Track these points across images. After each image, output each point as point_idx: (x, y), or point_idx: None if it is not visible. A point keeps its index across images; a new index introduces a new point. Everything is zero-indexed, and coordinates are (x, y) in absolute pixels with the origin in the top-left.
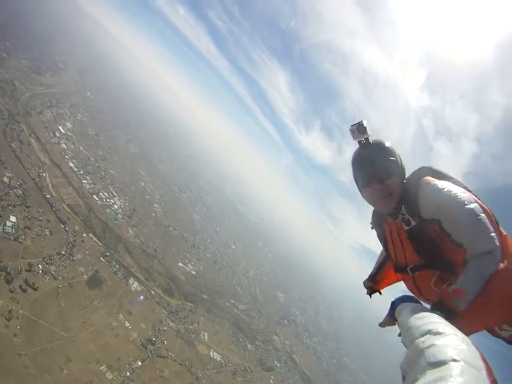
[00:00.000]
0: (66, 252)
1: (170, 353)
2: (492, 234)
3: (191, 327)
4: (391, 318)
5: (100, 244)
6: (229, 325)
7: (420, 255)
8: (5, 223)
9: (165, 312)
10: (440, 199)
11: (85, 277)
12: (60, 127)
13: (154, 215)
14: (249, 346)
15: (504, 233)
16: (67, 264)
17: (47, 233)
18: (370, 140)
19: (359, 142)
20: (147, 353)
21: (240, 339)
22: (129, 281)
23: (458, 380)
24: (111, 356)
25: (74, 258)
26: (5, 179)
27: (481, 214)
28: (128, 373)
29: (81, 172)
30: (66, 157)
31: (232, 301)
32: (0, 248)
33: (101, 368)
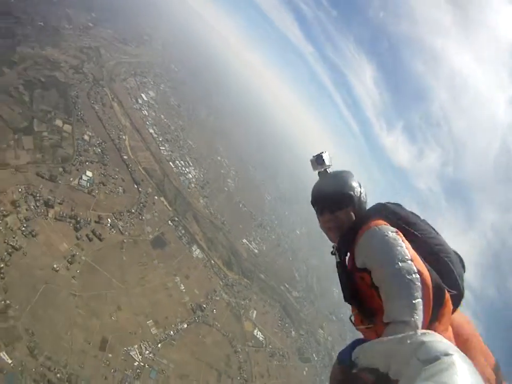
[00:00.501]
0: (136, 210)
1: (216, 323)
2: (415, 302)
3: (242, 302)
4: (347, 368)
5: (170, 209)
6: (278, 308)
7: (342, 292)
8: (81, 177)
9: (221, 283)
10: (372, 250)
11: (150, 236)
12: (142, 95)
13: (226, 189)
14: (293, 333)
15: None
16: (135, 222)
17: (120, 191)
18: (328, 171)
19: (318, 173)
20: (195, 318)
21: (286, 324)
22: (192, 248)
23: (460, 370)
24: (160, 314)
25: (143, 217)
26: (86, 137)
27: (408, 276)
28: (172, 332)
29: (160, 139)
30: (147, 123)
31: (287, 286)
32: (74, 198)
33: (147, 322)
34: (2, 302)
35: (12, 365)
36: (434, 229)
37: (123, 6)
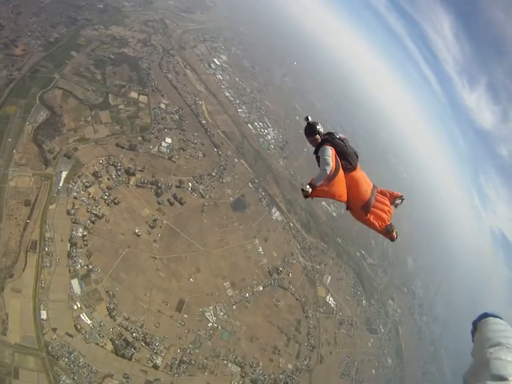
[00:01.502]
0: (216, 174)
1: (291, 287)
2: (329, 163)
3: (317, 267)
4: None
5: (250, 171)
6: (353, 274)
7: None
8: (161, 144)
9: (298, 246)
10: (321, 151)
11: (230, 199)
12: (215, 59)
13: (306, 150)
14: (364, 302)
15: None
16: (216, 185)
17: (200, 155)
18: (309, 121)
19: (306, 122)
20: (271, 280)
21: (358, 292)
22: (272, 210)
23: None
24: (237, 275)
25: (224, 180)
26: (162, 105)
27: (326, 154)
28: (247, 294)
29: (237, 102)
30: (222, 86)
31: (363, 252)
32: (154, 165)
33: (224, 284)
34: (85, 267)
35: (90, 325)
36: (347, 142)
37: None
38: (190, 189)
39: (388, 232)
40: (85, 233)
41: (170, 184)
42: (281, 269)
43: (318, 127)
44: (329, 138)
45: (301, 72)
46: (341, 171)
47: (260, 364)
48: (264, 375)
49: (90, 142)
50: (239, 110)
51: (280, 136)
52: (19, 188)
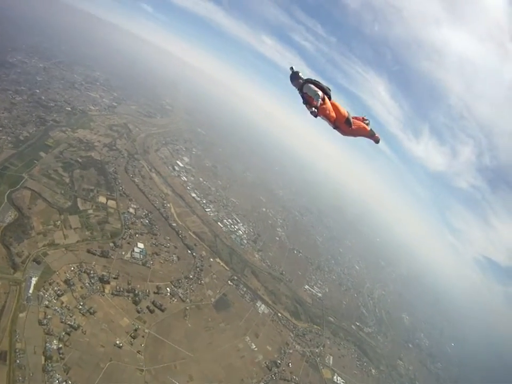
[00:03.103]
0: (194, 275)
1: (294, 377)
2: (316, 89)
3: (316, 350)
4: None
5: (227, 268)
6: (354, 348)
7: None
8: (133, 249)
9: (292, 334)
10: (307, 89)
11: (212, 299)
12: (178, 162)
13: (278, 238)
14: (373, 371)
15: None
16: (195, 287)
17: (175, 258)
18: (293, 70)
19: (291, 71)
20: (271, 375)
21: (365, 363)
22: (257, 304)
23: None
24: (235, 377)
25: (202, 282)
26: (131, 210)
27: (312, 87)
28: None
29: (204, 201)
30: (188, 188)
31: (358, 324)
32: (129, 272)
33: None
34: (64, 383)
35: None
36: (324, 85)
37: (140, 83)
38: (169, 294)
39: (372, 134)
40: (60, 345)
41: (147, 290)
42: (279, 362)
43: (300, 74)
44: (309, 80)
45: (259, 165)
46: (325, 96)
47: None
48: None
49: (61, 248)
50: (207, 210)
51: (251, 230)
52: None
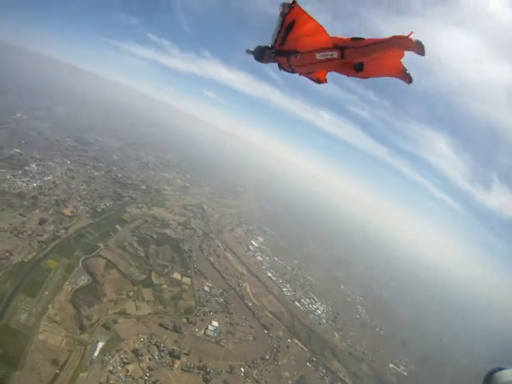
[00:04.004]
0: (270, 356)
1: None
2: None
3: None
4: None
5: (306, 349)
6: None
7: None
8: (207, 327)
9: None
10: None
11: (289, 382)
12: (252, 241)
13: (358, 316)
14: None
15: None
16: (271, 369)
17: (250, 338)
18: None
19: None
20: None
21: None
22: None
23: None
24: None
25: (279, 363)
26: (206, 288)
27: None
28: None
29: (280, 281)
30: (263, 267)
31: None
32: (201, 349)
33: None
34: None
35: None
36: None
37: (210, 166)
38: (243, 374)
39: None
40: None
41: (220, 369)
42: None
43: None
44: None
45: (334, 241)
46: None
47: None
48: None
49: (132, 318)
50: (283, 289)
51: (330, 309)
52: (48, 344)
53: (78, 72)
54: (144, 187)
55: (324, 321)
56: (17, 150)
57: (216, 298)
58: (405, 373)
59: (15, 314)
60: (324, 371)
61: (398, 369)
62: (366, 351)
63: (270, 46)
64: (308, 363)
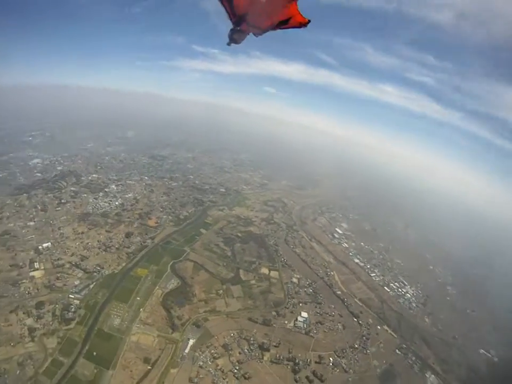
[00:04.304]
0: (359, 345)
1: None
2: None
3: None
4: None
5: (395, 336)
6: None
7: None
8: (296, 318)
9: None
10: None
11: (378, 370)
12: (336, 229)
13: (449, 298)
14: None
15: None
16: (360, 357)
17: (340, 327)
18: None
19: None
20: None
21: None
22: (426, 375)
23: None
24: None
25: (368, 351)
26: (294, 279)
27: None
28: None
29: (368, 266)
30: (350, 254)
31: None
32: (291, 340)
33: None
34: None
35: None
36: None
37: (283, 160)
38: (331, 364)
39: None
40: None
41: (309, 360)
42: None
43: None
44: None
45: (421, 220)
46: None
47: None
48: None
49: (222, 315)
50: (372, 275)
51: (419, 292)
52: (141, 344)
53: (139, 97)
54: (223, 190)
55: (414, 305)
56: (94, 175)
57: (305, 289)
58: (495, 359)
59: (108, 320)
60: (413, 358)
61: (488, 354)
62: (456, 336)
63: (232, 27)
64: (397, 350)
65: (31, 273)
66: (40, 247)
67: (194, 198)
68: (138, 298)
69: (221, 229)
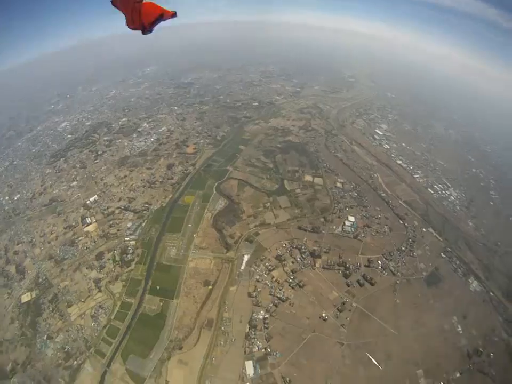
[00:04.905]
0: (406, 247)
1: (492, 371)
2: None
3: None
4: None
5: (440, 239)
6: None
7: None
8: (344, 223)
9: (500, 319)
10: None
11: (424, 273)
12: (376, 130)
13: (492, 203)
14: None
15: None
16: (407, 260)
17: (386, 230)
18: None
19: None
20: (469, 365)
21: None
22: (469, 280)
23: None
24: (432, 360)
25: (414, 254)
26: (338, 184)
27: None
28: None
29: (411, 167)
30: (392, 155)
31: None
32: (340, 245)
33: (417, 372)
34: (263, 350)
35: None
36: None
37: (314, 65)
38: (380, 267)
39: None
40: (267, 316)
41: (358, 264)
42: (481, 350)
43: None
44: None
45: (460, 121)
46: None
47: None
48: None
49: (272, 227)
50: (415, 176)
51: (463, 195)
52: (199, 269)
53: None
54: (255, 104)
55: (458, 208)
56: (124, 119)
57: (350, 193)
58: None
59: (165, 252)
60: (458, 262)
61: None
62: (499, 243)
63: None
64: (442, 253)
65: (85, 229)
66: (87, 202)
67: (228, 117)
68: (189, 225)
69: (260, 143)
